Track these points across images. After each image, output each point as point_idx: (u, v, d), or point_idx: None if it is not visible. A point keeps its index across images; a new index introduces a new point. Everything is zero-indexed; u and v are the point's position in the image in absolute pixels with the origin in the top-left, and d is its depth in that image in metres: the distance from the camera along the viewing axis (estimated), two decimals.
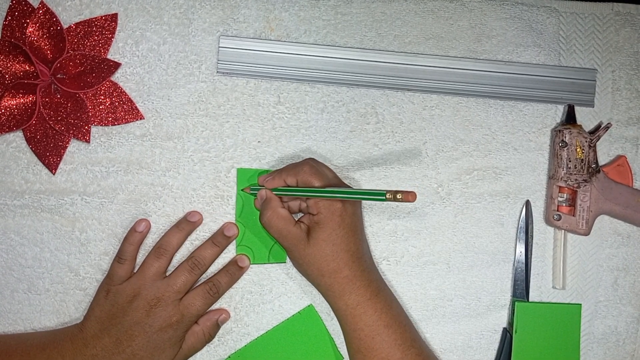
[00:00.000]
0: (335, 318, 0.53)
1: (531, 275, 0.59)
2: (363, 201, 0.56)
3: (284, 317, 0.56)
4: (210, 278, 0.54)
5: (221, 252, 0.55)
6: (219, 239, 0.55)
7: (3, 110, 0.53)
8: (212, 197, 0.56)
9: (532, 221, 0.58)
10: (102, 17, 0.55)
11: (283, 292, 0.57)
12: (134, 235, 0.54)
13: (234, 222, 0.56)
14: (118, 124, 0.55)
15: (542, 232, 0.59)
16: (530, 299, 0.59)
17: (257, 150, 0.57)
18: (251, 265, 0.56)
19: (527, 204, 0.58)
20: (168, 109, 0.56)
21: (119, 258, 0.53)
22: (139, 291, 0.51)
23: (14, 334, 0.54)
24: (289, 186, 0.52)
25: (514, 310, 0.57)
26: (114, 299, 0.51)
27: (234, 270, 0.55)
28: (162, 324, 0.50)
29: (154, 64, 0.56)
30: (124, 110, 0.55)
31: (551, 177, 0.58)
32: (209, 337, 0.54)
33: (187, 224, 0.55)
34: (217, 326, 0.55)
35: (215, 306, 0.56)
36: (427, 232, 0.58)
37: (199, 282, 0.54)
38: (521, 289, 0.58)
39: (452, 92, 0.58)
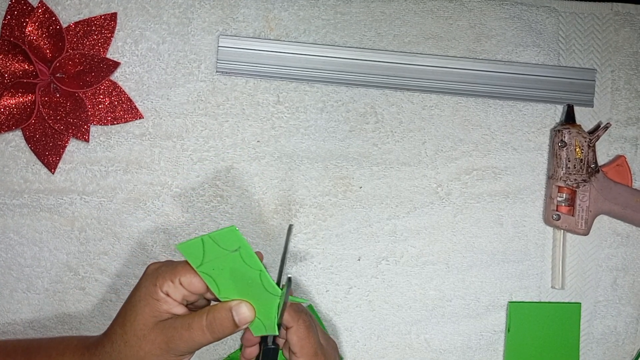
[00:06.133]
0: (335, 318, 0.53)
1: (529, 275, 0.59)
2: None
3: None
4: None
5: None
6: None
7: (2, 110, 0.53)
8: (211, 196, 0.56)
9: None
10: (101, 16, 0.55)
11: None
12: None
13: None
14: (117, 123, 0.55)
15: (541, 232, 0.59)
16: (529, 299, 0.59)
17: (257, 149, 0.57)
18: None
19: (290, 228, 0.47)
20: (167, 108, 0.56)
21: None
22: None
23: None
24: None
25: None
26: None
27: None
28: None
29: (153, 63, 0.56)
30: (123, 110, 0.55)
31: (550, 177, 0.58)
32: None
33: None
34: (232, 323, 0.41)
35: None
36: (426, 232, 0.58)
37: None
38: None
39: (452, 91, 0.58)
